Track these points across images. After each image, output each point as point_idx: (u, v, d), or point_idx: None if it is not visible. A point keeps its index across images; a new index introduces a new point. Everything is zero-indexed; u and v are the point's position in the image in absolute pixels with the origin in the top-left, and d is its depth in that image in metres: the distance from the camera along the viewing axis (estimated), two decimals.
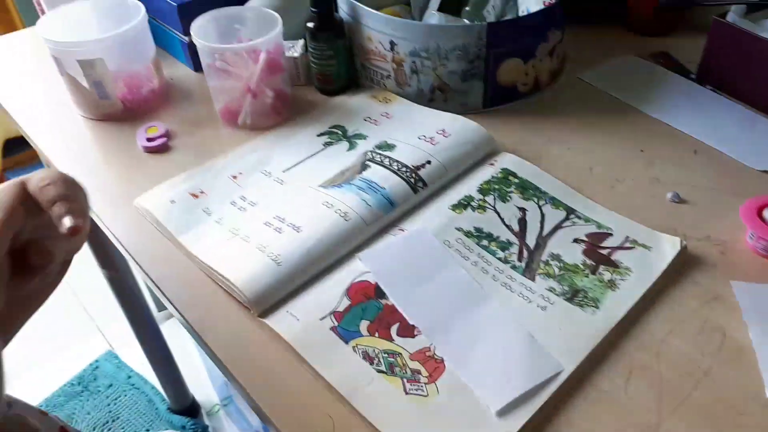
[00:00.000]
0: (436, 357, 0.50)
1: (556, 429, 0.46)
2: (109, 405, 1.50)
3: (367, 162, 0.68)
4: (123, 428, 1.44)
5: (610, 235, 0.60)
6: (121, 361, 1.56)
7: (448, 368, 0.49)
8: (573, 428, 0.46)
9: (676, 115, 0.77)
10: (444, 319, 0.53)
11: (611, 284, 0.55)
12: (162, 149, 0.75)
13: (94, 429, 1.44)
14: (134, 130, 0.78)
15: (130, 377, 1.54)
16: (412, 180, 0.64)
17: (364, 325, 0.52)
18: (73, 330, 1.61)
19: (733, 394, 0.48)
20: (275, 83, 0.77)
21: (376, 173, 0.65)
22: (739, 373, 0.49)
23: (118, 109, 0.80)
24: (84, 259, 0.55)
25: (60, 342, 1.60)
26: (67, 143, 0.78)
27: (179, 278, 0.58)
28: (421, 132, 0.71)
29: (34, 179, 0.39)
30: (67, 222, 0.37)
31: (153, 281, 0.58)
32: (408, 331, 0.52)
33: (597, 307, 0.53)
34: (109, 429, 1.45)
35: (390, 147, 0.70)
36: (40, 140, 0.79)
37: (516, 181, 0.66)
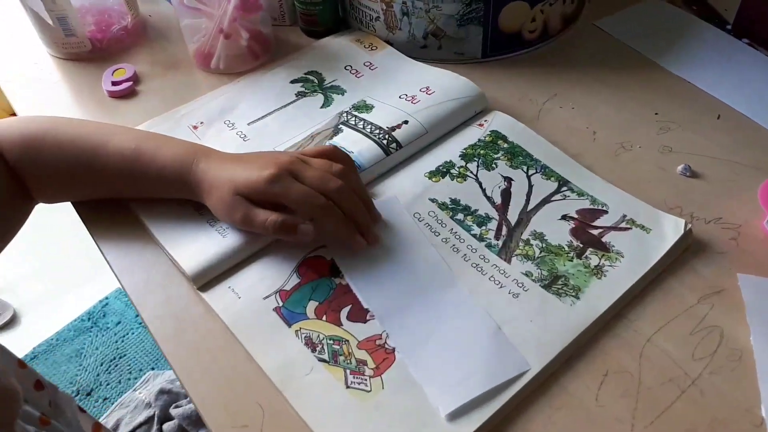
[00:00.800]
0: (387, 346, 0.45)
1: None
2: (116, 342, 1.52)
3: (341, 125, 0.61)
4: (129, 365, 1.46)
5: (605, 212, 0.53)
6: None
7: (398, 360, 0.44)
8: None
9: (702, 72, 0.67)
10: (402, 304, 0.47)
11: (597, 271, 0.49)
12: (128, 94, 0.69)
13: (101, 364, 1.47)
14: (102, 71, 0.72)
15: (137, 315, 1.55)
16: (385, 141, 0.57)
17: (311, 307, 0.47)
18: (86, 267, 1.62)
19: (721, 408, 0.41)
20: (251, 23, 0.69)
21: (347, 137, 0.59)
22: (732, 384, 0.43)
23: (85, 48, 0.74)
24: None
25: (73, 278, 1.61)
26: (32, 84, 0.73)
27: (121, 240, 0.53)
28: (404, 90, 0.64)
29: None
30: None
31: (95, 241, 0.54)
32: (360, 315, 0.47)
33: (577, 297, 0.47)
34: (116, 365, 1.47)
35: (367, 108, 0.62)
36: (2, 78, 0.74)
37: (505, 146, 0.59)
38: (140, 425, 0.73)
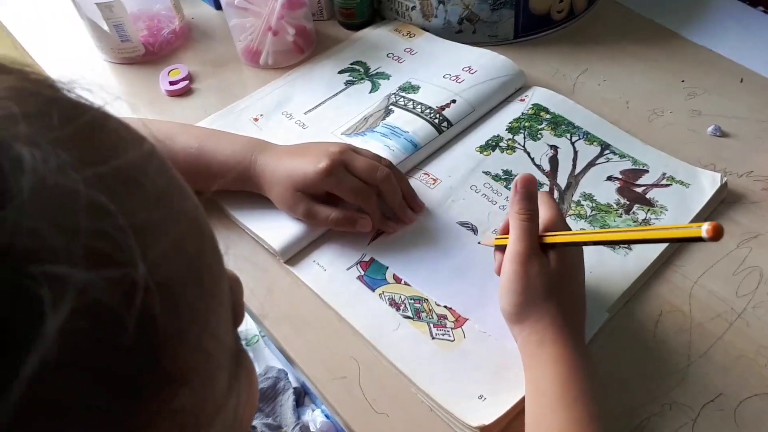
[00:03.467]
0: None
1: None
2: None
3: (391, 106, 0.66)
4: None
5: (646, 171, 0.58)
6: None
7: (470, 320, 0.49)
8: (598, 368, 0.46)
9: (723, 40, 0.71)
10: (462, 284, 0.51)
11: (645, 224, 0.54)
12: (185, 92, 0.74)
13: None
14: (157, 73, 0.77)
15: None
16: (437, 120, 0.62)
17: (390, 273, 0.52)
18: None
19: (765, 336, 0.47)
20: (296, 19, 0.74)
21: (399, 118, 0.63)
22: None
23: (139, 52, 0.79)
24: None
25: None
26: (92, 87, 0.77)
27: None
28: (447, 70, 0.69)
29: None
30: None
31: None
32: None
33: (629, 249, 0.52)
34: None
35: (414, 89, 0.67)
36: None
37: (548, 116, 0.64)
38: None
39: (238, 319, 0.28)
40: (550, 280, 0.42)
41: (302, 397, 1.03)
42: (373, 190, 0.53)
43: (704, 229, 0.33)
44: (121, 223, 0.17)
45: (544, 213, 0.45)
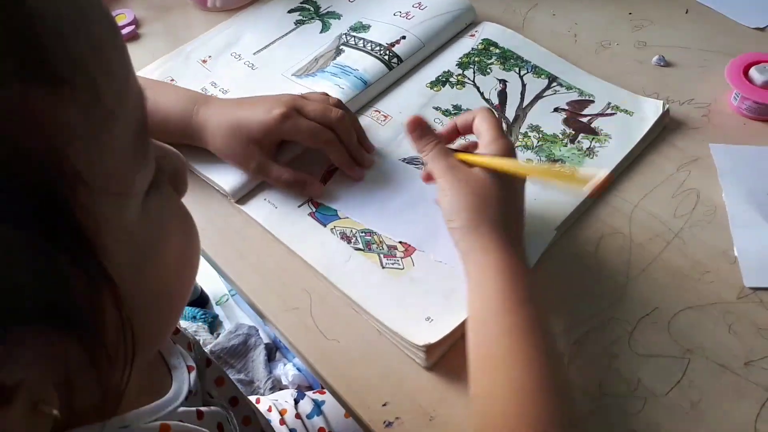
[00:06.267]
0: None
1: None
2: None
3: (341, 47, 0.65)
4: None
5: (592, 102, 0.59)
6: None
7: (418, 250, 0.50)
8: (541, 288, 0.48)
9: None
10: (413, 218, 0.52)
11: (589, 152, 0.55)
12: (131, 38, 0.72)
13: None
14: None
15: None
16: (386, 57, 0.62)
17: (341, 213, 0.53)
18: None
19: (701, 253, 0.49)
20: None
21: (349, 57, 0.63)
22: (709, 233, 0.50)
23: None
24: None
25: None
26: None
27: None
28: (397, 8, 0.68)
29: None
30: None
31: None
32: None
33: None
34: None
35: (365, 27, 0.67)
36: None
37: (497, 51, 0.64)
38: None
39: (180, 187, 0.31)
40: (481, 189, 0.43)
41: (273, 352, 1.05)
42: (329, 132, 0.53)
43: (588, 185, 0.37)
44: None
45: (484, 131, 0.46)
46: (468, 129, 0.49)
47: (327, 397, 0.67)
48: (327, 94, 0.56)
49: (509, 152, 0.45)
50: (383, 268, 0.49)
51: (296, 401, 0.66)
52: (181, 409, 0.34)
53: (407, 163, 0.55)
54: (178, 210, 0.30)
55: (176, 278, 0.29)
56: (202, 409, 0.36)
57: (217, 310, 1.33)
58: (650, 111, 0.57)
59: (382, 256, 0.50)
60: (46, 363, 0.22)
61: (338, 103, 0.55)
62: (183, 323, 1.13)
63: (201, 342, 0.94)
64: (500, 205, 0.43)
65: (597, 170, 0.36)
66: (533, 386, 0.37)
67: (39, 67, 0.20)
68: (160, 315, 0.29)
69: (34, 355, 0.21)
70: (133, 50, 0.74)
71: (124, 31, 0.72)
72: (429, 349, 0.43)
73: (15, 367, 0.20)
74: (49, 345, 0.21)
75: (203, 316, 1.42)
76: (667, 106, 0.57)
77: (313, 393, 0.69)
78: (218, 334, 1.09)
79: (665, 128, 0.57)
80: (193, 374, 0.38)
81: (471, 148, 0.49)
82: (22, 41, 0.19)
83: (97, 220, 0.22)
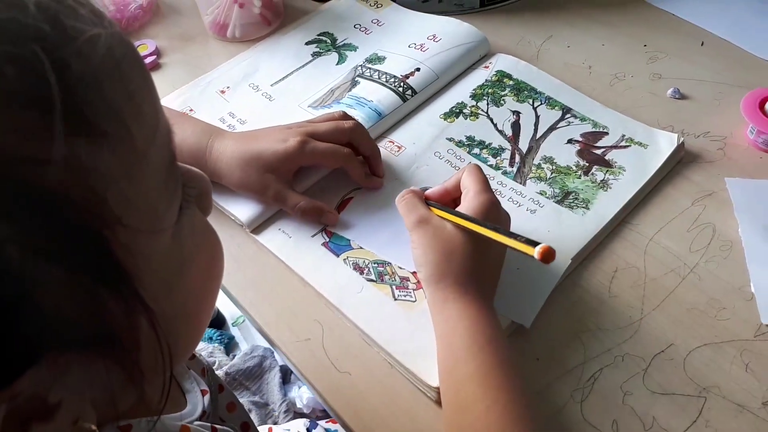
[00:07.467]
0: None
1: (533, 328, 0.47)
2: None
3: (357, 78, 0.66)
4: None
5: (606, 134, 0.59)
6: None
7: None
8: (551, 326, 0.47)
9: (685, 4, 0.72)
10: None
11: (603, 184, 0.55)
12: (152, 67, 0.74)
13: None
14: None
15: None
16: (401, 89, 0.63)
17: (354, 243, 0.53)
18: None
19: (717, 289, 0.48)
20: None
21: (364, 88, 0.64)
22: (725, 269, 0.49)
23: None
24: None
25: None
26: None
27: None
28: (412, 39, 0.69)
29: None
30: None
31: None
32: None
33: (587, 208, 0.53)
34: None
35: (380, 60, 0.68)
36: None
37: (511, 83, 0.64)
38: None
39: (206, 209, 0.33)
40: (448, 243, 0.44)
41: (288, 374, 1.05)
42: (347, 148, 0.54)
43: (537, 251, 0.37)
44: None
45: (469, 185, 0.47)
46: (458, 188, 0.49)
47: (339, 427, 0.67)
48: (344, 114, 0.57)
49: (489, 207, 0.45)
50: (395, 300, 0.49)
51: (308, 431, 0.66)
52: (197, 423, 0.35)
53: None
54: (204, 228, 0.32)
55: (203, 292, 0.31)
56: (217, 426, 0.36)
57: (234, 331, 1.34)
58: (665, 144, 0.57)
59: (394, 287, 0.50)
60: (85, 383, 0.23)
61: (344, 116, 0.56)
62: (200, 344, 1.14)
63: (217, 363, 0.94)
64: (466, 259, 0.44)
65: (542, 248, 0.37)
66: (498, 426, 0.38)
67: (82, 121, 0.21)
68: (188, 329, 0.31)
69: (76, 377, 0.23)
70: (155, 80, 0.76)
71: (146, 61, 0.73)
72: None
73: (58, 387, 0.22)
74: (89, 367, 0.23)
75: (219, 337, 1.43)
76: (681, 139, 0.57)
77: (326, 422, 0.69)
78: (234, 356, 1.09)
79: (680, 161, 0.57)
80: (207, 397, 0.39)
81: (453, 194, 0.50)
82: (68, 100, 0.20)
83: (134, 255, 0.24)
